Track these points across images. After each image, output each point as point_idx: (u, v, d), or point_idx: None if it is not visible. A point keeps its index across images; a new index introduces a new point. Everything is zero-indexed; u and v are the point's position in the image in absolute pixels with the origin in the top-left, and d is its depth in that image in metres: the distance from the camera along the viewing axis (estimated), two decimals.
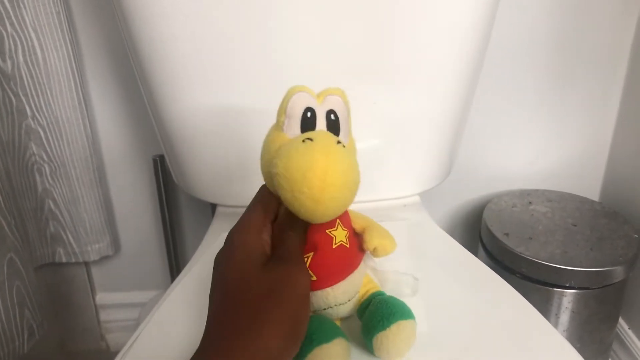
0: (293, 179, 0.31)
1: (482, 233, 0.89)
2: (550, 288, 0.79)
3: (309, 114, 0.35)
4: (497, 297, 0.50)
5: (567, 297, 0.79)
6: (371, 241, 0.39)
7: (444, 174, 0.71)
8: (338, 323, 0.41)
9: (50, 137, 0.81)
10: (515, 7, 0.83)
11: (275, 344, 0.30)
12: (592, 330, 0.83)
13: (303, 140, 0.33)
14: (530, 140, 0.96)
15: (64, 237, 0.90)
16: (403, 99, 0.62)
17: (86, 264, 1.01)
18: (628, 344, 0.93)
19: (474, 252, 0.60)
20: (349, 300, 0.40)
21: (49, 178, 0.84)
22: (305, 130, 0.35)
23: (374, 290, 0.42)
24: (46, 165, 0.83)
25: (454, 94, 0.64)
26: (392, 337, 0.38)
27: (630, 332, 0.93)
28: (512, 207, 0.91)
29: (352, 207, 0.59)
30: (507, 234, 0.83)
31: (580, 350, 0.44)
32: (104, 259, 0.98)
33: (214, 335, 0.31)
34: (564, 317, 0.81)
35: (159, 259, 1.03)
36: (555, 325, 0.81)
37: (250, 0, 0.56)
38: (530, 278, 0.79)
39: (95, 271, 1.05)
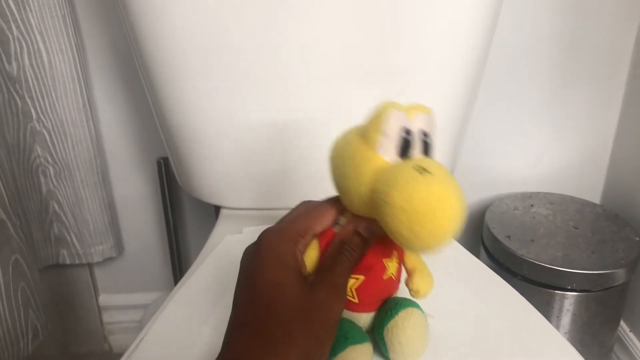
0: (416, 214, 0.30)
1: (484, 235, 0.89)
2: (552, 290, 0.79)
3: (407, 136, 0.33)
4: (499, 299, 0.51)
5: (569, 300, 0.79)
6: (419, 284, 0.39)
7: None
8: None
9: (55, 140, 0.81)
10: (517, 9, 0.84)
11: None
12: (594, 333, 0.83)
13: (419, 172, 0.31)
14: (531, 142, 0.96)
15: (68, 238, 0.91)
16: (404, 98, 0.62)
17: (89, 266, 1.02)
18: (629, 347, 0.93)
19: (476, 255, 0.60)
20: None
21: (54, 180, 0.85)
22: (402, 152, 0.33)
23: None
24: (51, 168, 0.84)
25: (456, 96, 0.65)
26: (401, 324, 0.38)
27: (631, 335, 0.93)
28: (514, 209, 0.91)
29: None
30: (509, 237, 0.83)
31: (581, 352, 0.44)
32: (108, 260, 0.99)
33: (237, 343, 0.31)
34: (565, 319, 0.81)
35: (162, 260, 1.03)
36: (557, 327, 0.81)
37: (255, 4, 0.56)
38: (531, 280, 0.79)
39: (98, 273, 1.05)
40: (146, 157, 0.94)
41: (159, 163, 0.88)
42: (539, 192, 0.97)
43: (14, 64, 0.74)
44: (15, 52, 0.74)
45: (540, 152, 0.97)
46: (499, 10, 0.62)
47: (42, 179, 0.84)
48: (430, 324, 0.43)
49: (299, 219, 0.35)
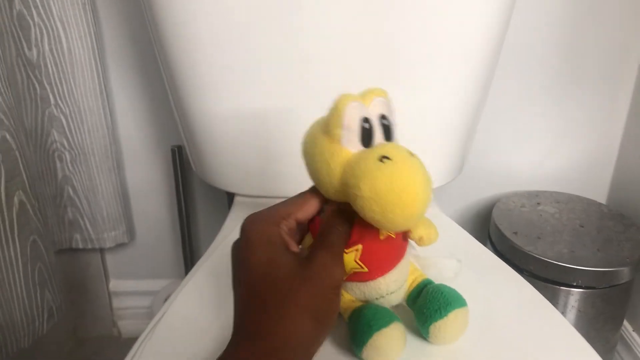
0: (385, 201, 0.32)
1: (491, 231, 0.90)
2: (558, 287, 0.80)
3: (367, 125, 0.35)
4: (507, 284, 0.52)
5: (574, 296, 0.80)
6: (417, 231, 0.41)
7: (455, 172, 0.72)
8: None
9: (71, 125, 0.83)
10: (527, 7, 0.84)
11: (306, 328, 0.31)
12: (598, 329, 0.84)
13: (380, 160, 0.33)
14: (538, 141, 0.97)
15: (82, 223, 0.92)
16: (415, 96, 0.63)
17: (101, 251, 1.03)
18: (632, 346, 0.94)
19: None
20: (399, 288, 0.42)
21: (69, 165, 0.86)
22: (365, 141, 0.35)
23: (421, 279, 0.44)
24: (67, 153, 0.85)
25: (467, 93, 0.65)
26: (449, 325, 0.40)
27: (634, 335, 0.94)
28: (521, 207, 0.92)
29: None
30: (515, 233, 0.84)
31: None
32: (119, 246, 1.00)
33: (243, 318, 0.32)
34: (570, 315, 0.82)
35: (173, 248, 1.05)
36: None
37: (276, 6, 0.58)
38: (538, 276, 0.80)
39: (109, 258, 1.06)
40: (160, 145, 0.95)
41: (173, 151, 0.89)
42: (545, 191, 0.98)
43: (34, 50, 0.76)
44: (36, 38, 0.75)
45: (547, 151, 0.97)
46: (512, 8, 0.63)
47: (58, 163, 0.86)
48: None
49: (279, 205, 0.37)
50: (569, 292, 0.80)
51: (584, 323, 0.83)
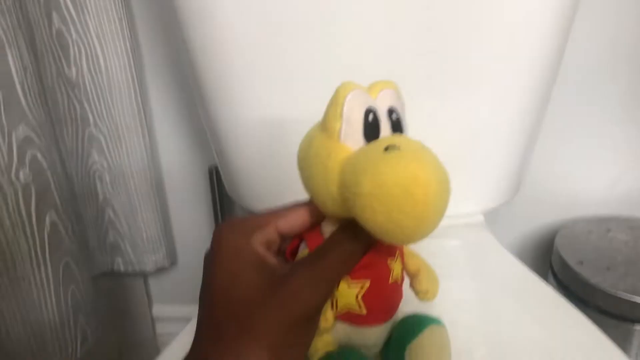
0: (390, 197, 0.26)
1: (553, 261, 0.82)
2: (631, 324, 0.72)
3: (371, 117, 0.29)
4: (571, 329, 0.45)
5: None
6: (426, 284, 0.35)
7: (512, 192, 0.66)
8: None
9: (110, 145, 0.82)
10: (596, 14, 0.77)
11: None
12: None
13: (385, 149, 0.27)
14: (610, 161, 0.88)
15: (122, 246, 0.91)
16: (468, 108, 0.58)
17: (144, 275, 1.02)
18: None
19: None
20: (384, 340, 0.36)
21: (110, 187, 0.85)
22: (369, 137, 0.29)
23: None
24: (107, 174, 0.84)
25: (525, 106, 0.60)
26: (426, 345, 0.33)
27: None
28: (588, 233, 0.84)
29: None
30: (581, 263, 0.76)
31: None
32: (161, 270, 0.99)
33: (197, 343, 0.29)
34: None
35: None
36: None
37: (310, 12, 0.54)
38: (607, 312, 0.72)
39: (152, 282, 1.05)
40: (200, 165, 0.93)
41: (210, 171, 0.87)
42: (617, 216, 0.89)
43: (73, 69, 0.76)
44: (74, 57, 0.75)
45: (620, 171, 0.89)
46: (574, 17, 0.57)
47: (98, 185, 0.85)
48: (489, 355, 0.39)
49: (259, 213, 0.32)
50: None
51: None
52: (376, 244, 0.31)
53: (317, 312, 0.29)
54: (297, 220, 0.32)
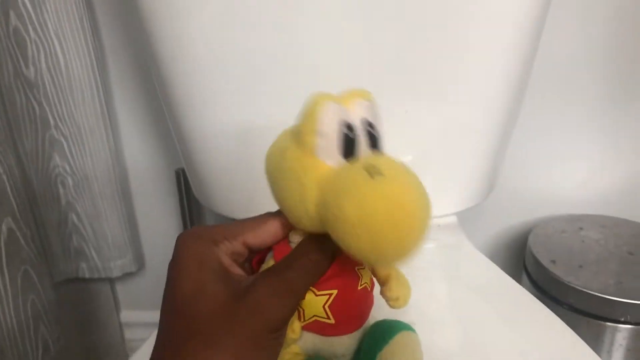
0: (377, 226, 0.25)
1: (526, 260, 0.82)
2: (603, 322, 0.72)
3: (347, 132, 0.28)
4: (542, 329, 0.45)
5: (622, 333, 0.72)
6: (397, 290, 0.33)
7: (485, 192, 0.66)
8: None
9: (73, 148, 0.79)
10: (567, 11, 0.77)
11: None
12: None
13: (370, 174, 0.26)
14: (582, 159, 0.88)
15: (87, 252, 0.88)
16: (440, 107, 0.57)
17: (110, 281, 0.99)
18: None
19: (517, 281, 0.54)
20: (354, 350, 0.35)
21: (73, 191, 0.82)
22: (347, 152, 0.28)
23: None
24: (69, 178, 0.81)
25: (498, 104, 0.59)
26: (398, 351, 0.32)
27: None
28: (561, 232, 0.84)
29: None
30: (554, 262, 0.76)
31: None
32: (128, 275, 0.96)
33: (159, 353, 0.27)
34: (617, 354, 0.73)
35: None
36: None
37: (277, 12, 0.52)
38: (579, 310, 0.72)
39: (120, 288, 1.03)
40: (167, 167, 0.91)
41: (177, 174, 0.84)
42: (589, 214, 0.89)
43: (32, 68, 0.72)
44: (33, 56, 0.72)
45: (592, 170, 0.89)
46: (547, 12, 0.57)
47: (61, 189, 0.82)
48: (461, 356, 0.38)
49: (227, 224, 0.31)
50: (615, 329, 0.71)
51: None
52: (342, 252, 0.30)
53: (283, 323, 0.28)
54: (268, 235, 0.31)
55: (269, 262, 0.32)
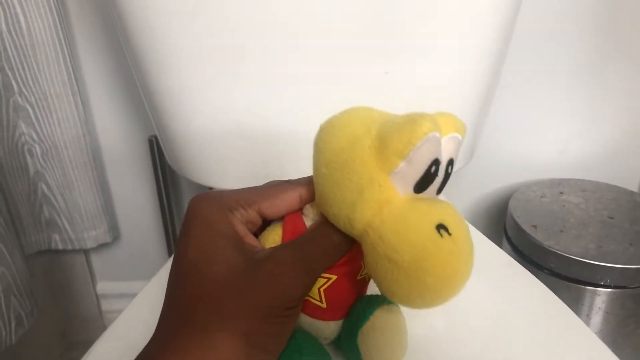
0: (423, 283, 0.25)
1: (507, 225, 0.82)
2: (582, 286, 0.72)
3: (433, 168, 0.26)
4: (523, 292, 0.45)
5: (601, 297, 0.72)
6: None
7: (465, 157, 0.65)
8: None
9: (39, 115, 0.75)
10: None
11: (233, 355, 0.24)
12: (628, 334, 0.76)
13: (437, 229, 0.25)
14: (562, 124, 0.88)
15: (59, 222, 0.86)
16: (420, 68, 0.55)
17: (85, 252, 0.97)
18: None
19: (498, 246, 0.54)
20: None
21: (41, 160, 0.79)
22: (421, 186, 0.26)
23: None
24: (37, 146, 0.78)
25: (478, 68, 0.57)
26: (379, 326, 0.31)
27: None
28: (541, 197, 0.84)
29: None
30: (535, 226, 0.76)
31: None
32: (104, 246, 0.94)
33: (164, 323, 0.26)
34: (597, 318, 0.74)
35: (162, 246, 0.97)
36: (587, 326, 0.74)
37: None
38: (559, 275, 0.72)
39: (95, 259, 1.00)
40: (140, 134, 0.87)
41: (150, 141, 0.82)
42: (569, 179, 0.89)
43: None
44: None
45: (571, 135, 0.88)
46: None
47: (28, 158, 0.79)
48: (443, 323, 0.38)
49: (240, 190, 0.29)
50: (595, 292, 0.72)
51: (612, 327, 0.75)
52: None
53: (297, 301, 0.26)
54: (285, 206, 0.29)
55: (275, 229, 0.30)
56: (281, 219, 0.30)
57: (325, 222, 0.28)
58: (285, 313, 0.26)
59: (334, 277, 0.30)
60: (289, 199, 0.29)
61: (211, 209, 0.27)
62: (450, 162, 0.28)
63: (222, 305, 0.25)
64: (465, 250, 0.26)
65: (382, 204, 0.25)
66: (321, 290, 0.30)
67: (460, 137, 0.28)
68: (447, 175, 0.28)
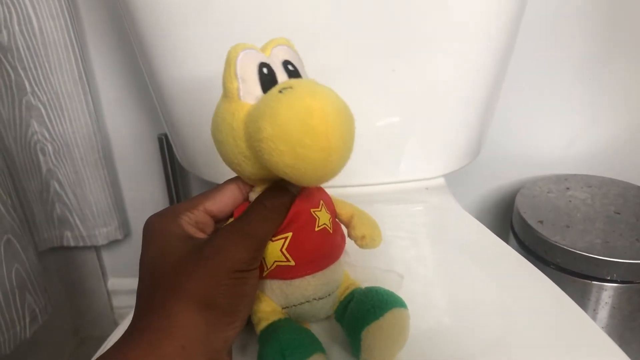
0: (290, 134, 0.26)
1: (513, 221, 0.82)
2: (589, 281, 0.72)
3: (265, 70, 0.30)
4: (529, 287, 0.45)
5: (607, 292, 0.72)
6: (361, 229, 0.35)
7: (472, 154, 0.65)
8: (308, 326, 0.36)
9: (51, 114, 0.77)
10: None
11: (192, 319, 0.27)
12: (635, 328, 0.76)
13: (280, 91, 0.27)
14: (567, 120, 0.88)
15: (71, 220, 0.87)
16: (427, 66, 0.56)
17: (97, 249, 0.98)
18: None
19: (505, 242, 0.54)
20: (329, 296, 0.35)
21: (53, 158, 0.80)
22: (267, 88, 0.29)
23: (353, 287, 0.37)
24: (49, 145, 0.79)
25: (485, 65, 0.58)
26: (386, 329, 0.32)
27: None
28: (548, 192, 0.84)
29: (362, 190, 0.52)
30: (541, 222, 0.76)
31: None
32: (114, 243, 0.95)
33: (135, 314, 0.29)
34: (603, 312, 0.74)
35: None
36: (593, 321, 0.74)
37: None
38: (566, 270, 0.72)
39: (106, 256, 1.02)
40: (151, 132, 0.89)
41: (160, 140, 0.82)
42: (575, 174, 0.89)
43: (4, 32, 0.69)
44: (5, 19, 0.69)
45: (578, 130, 0.89)
46: None
47: (41, 156, 0.80)
48: (449, 318, 0.38)
49: (188, 200, 0.33)
50: (601, 287, 0.72)
51: (618, 321, 0.75)
52: (295, 198, 0.32)
53: (244, 264, 0.29)
54: (227, 199, 0.33)
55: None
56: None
57: (258, 196, 0.31)
58: (233, 275, 0.28)
59: (289, 234, 0.32)
60: (229, 192, 0.33)
61: (163, 220, 0.31)
62: (288, 62, 0.31)
63: (177, 284, 0.28)
64: (309, 89, 0.27)
65: (245, 119, 0.29)
66: (283, 250, 0.32)
67: (284, 46, 0.32)
68: (293, 72, 0.31)
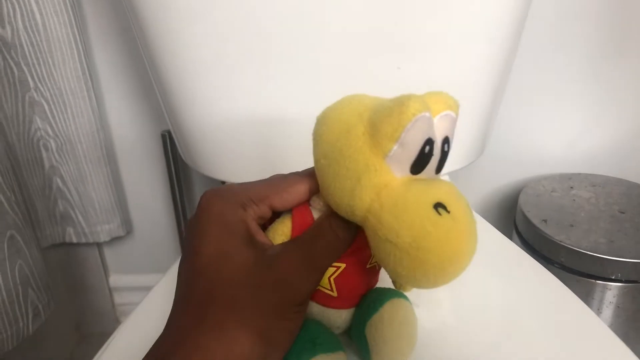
0: (425, 263, 0.24)
1: (517, 220, 0.82)
2: (593, 280, 0.72)
3: (427, 149, 0.26)
4: (534, 283, 0.45)
5: (612, 291, 0.72)
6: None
7: (476, 152, 0.65)
8: None
9: (54, 110, 0.76)
10: None
11: (248, 350, 0.25)
12: (639, 328, 0.76)
13: (436, 209, 0.24)
14: (571, 118, 0.87)
15: (74, 216, 0.87)
16: (431, 64, 0.56)
17: (99, 246, 0.98)
18: None
19: None
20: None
21: (56, 154, 0.80)
22: (417, 167, 0.26)
23: None
24: (52, 141, 0.79)
25: (490, 63, 0.57)
26: (387, 318, 0.31)
27: None
28: (551, 191, 0.84)
29: None
30: (545, 221, 0.76)
31: None
32: (116, 240, 0.95)
33: (175, 319, 0.26)
34: (607, 312, 0.74)
35: (174, 240, 0.98)
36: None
37: None
38: (570, 269, 0.72)
39: (108, 252, 1.02)
40: (153, 129, 0.88)
41: (163, 136, 0.82)
42: (579, 173, 0.89)
43: (8, 28, 0.69)
44: (8, 15, 0.69)
45: (581, 129, 0.88)
46: None
47: (44, 153, 0.80)
48: (453, 317, 0.38)
49: (251, 184, 0.29)
50: (606, 287, 0.72)
51: (622, 321, 0.75)
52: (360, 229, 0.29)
53: (307, 297, 0.27)
54: (294, 198, 0.30)
55: (284, 222, 0.30)
56: (289, 211, 0.31)
57: (329, 216, 0.29)
58: (296, 309, 0.27)
59: (343, 265, 0.30)
60: (298, 192, 0.30)
61: (224, 206, 0.28)
62: (446, 140, 0.27)
63: (238, 304, 0.25)
64: (465, 227, 0.25)
65: (380, 188, 0.26)
66: (331, 279, 0.30)
67: (453, 114, 0.28)
68: (445, 154, 0.27)
